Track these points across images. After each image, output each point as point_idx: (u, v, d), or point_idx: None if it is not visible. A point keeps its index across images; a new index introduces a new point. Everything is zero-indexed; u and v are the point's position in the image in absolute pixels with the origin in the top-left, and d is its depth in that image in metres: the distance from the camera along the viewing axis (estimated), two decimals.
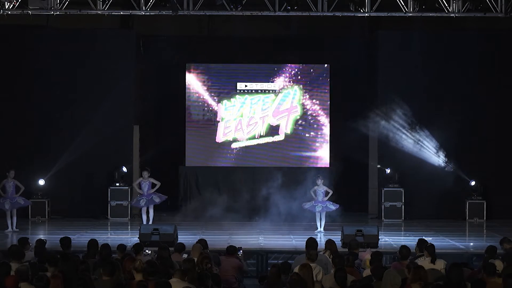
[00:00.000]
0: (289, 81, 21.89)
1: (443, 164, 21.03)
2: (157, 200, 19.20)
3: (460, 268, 9.99)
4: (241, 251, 13.31)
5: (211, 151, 21.87)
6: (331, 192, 18.83)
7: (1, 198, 18.59)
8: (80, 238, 16.97)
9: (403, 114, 21.35)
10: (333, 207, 18.75)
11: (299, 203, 21.50)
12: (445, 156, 21.01)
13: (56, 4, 18.49)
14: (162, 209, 20.53)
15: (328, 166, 21.77)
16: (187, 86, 21.81)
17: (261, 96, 21.91)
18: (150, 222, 18.90)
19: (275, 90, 21.91)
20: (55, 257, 10.47)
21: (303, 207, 19.08)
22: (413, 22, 20.31)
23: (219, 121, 21.88)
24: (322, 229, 18.57)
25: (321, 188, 18.78)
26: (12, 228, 18.47)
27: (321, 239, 16.67)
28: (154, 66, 22.27)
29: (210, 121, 21.87)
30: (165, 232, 15.62)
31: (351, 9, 18.54)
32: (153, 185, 19.10)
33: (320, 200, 18.71)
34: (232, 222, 20.38)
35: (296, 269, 10.43)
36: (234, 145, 21.92)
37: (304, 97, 21.84)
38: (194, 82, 21.88)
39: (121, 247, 12.39)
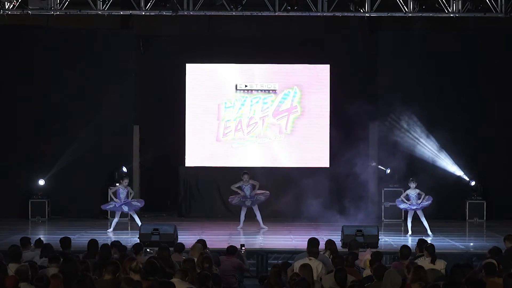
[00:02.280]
0: (289, 81, 21.88)
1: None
2: (262, 197, 19.34)
3: (462, 269, 10.00)
4: (244, 248, 13.33)
5: (211, 151, 21.85)
6: (423, 194, 18.34)
7: (116, 203, 18.58)
8: (80, 238, 16.96)
9: (403, 114, 21.35)
10: (428, 201, 18.34)
11: (299, 203, 21.55)
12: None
13: (56, 4, 18.50)
14: (162, 209, 20.53)
15: (328, 166, 21.75)
16: (187, 86, 21.79)
17: (261, 96, 21.91)
18: (262, 225, 19.16)
19: (275, 90, 21.90)
20: (57, 255, 10.46)
21: (397, 206, 18.82)
22: (413, 22, 20.30)
23: (219, 121, 21.87)
24: (429, 231, 18.16)
25: (414, 192, 18.37)
26: (112, 229, 18.39)
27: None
28: (154, 66, 22.25)
29: (210, 121, 21.84)
30: (165, 232, 15.60)
31: (351, 9, 18.54)
32: (254, 187, 19.25)
33: (415, 203, 18.30)
34: (232, 222, 20.39)
35: (296, 269, 10.43)
36: (234, 145, 21.91)
37: (304, 97, 21.83)
38: (194, 82, 21.86)
39: (122, 247, 12.37)
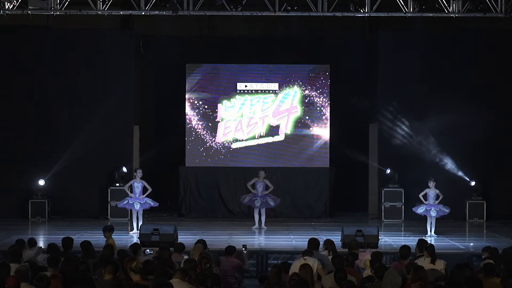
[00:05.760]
0: (289, 81, 21.88)
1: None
2: (271, 203, 19.26)
3: (463, 269, 10.00)
4: (245, 249, 13.33)
5: (211, 151, 21.86)
6: (441, 196, 18.16)
7: (130, 199, 18.30)
8: (80, 238, 16.91)
9: (403, 114, 21.36)
10: (447, 210, 18.16)
11: (299, 203, 21.56)
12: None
13: (56, 4, 18.49)
14: (162, 209, 20.52)
15: (328, 166, 21.75)
16: (187, 86, 21.79)
17: (261, 96, 21.91)
18: (263, 225, 19.15)
19: (275, 90, 21.90)
20: (56, 258, 10.45)
21: (414, 211, 18.48)
22: (413, 22, 20.31)
23: (219, 122, 21.87)
24: (433, 233, 18.10)
25: (432, 191, 18.19)
26: (138, 230, 17.61)
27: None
28: (154, 66, 22.28)
29: (210, 121, 21.85)
30: (165, 232, 15.59)
31: (351, 9, 18.53)
32: (267, 187, 19.16)
33: (432, 203, 18.11)
34: (232, 222, 20.42)
35: (295, 269, 10.44)
36: (234, 145, 21.91)
37: (304, 97, 21.83)
38: (194, 82, 21.86)
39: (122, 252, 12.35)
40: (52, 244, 12.62)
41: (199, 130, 21.85)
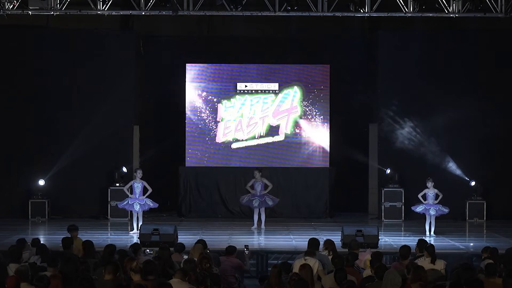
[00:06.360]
0: (289, 81, 21.88)
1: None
2: (270, 202, 19.25)
3: (467, 271, 10.00)
4: (246, 249, 13.33)
5: (211, 151, 21.85)
6: (441, 195, 18.17)
7: (130, 199, 18.28)
8: (80, 238, 16.94)
9: (403, 114, 21.36)
10: (446, 210, 18.17)
11: (299, 203, 21.56)
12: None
13: (56, 4, 18.50)
14: (162, 209, 20.52)
15: (328, 166, 21.75)
16: (187, 86, 21.79)
17: (261, 96, 21.90)
18: (263, 226, 19.15)
19: (275, 90, 21.89)
20: (56, 258, 10.45)
21: (413, 210, 18.48)
22: (413, 22, 20.32)
23: (219, 122, 21.87)
24: (432, 233, 18.11)
25: (431, 191, 18.20)
26: (138, 230, 17.43)
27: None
28: (154, 66, 22.26)
29: (210, 121, 21.85)
30: (165, 233, 15.59)
31: (351, 9, 18.55)
32: (266, 187, 19.19)
33: (431, 203, 18.13)
34: (232, 222, 20.42)
35: (296, 269, 10.44)
36: (234, 146, 21.91)
37: (304, 97, 21.82)
38: (194, 82, 21.86)
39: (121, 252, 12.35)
40: (41, 244, 12.62)
41: (199, 130, 21.84)
